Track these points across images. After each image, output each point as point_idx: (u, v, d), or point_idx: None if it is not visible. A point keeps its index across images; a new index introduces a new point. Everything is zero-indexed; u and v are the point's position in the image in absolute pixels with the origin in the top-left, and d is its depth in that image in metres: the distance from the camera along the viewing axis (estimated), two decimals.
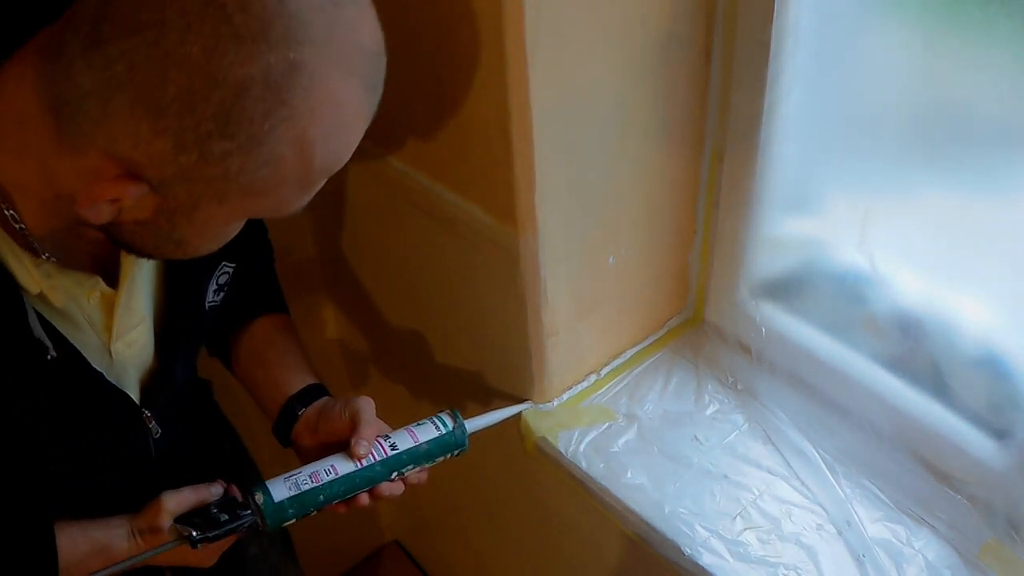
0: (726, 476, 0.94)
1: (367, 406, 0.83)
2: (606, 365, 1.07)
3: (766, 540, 0.87)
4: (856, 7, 0.79)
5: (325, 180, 0.61)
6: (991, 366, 0.83)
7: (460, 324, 1.10)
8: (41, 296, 0.64)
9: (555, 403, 1.03)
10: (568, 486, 0.99)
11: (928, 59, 0.76)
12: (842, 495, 0.90)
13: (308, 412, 0.86)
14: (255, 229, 0.91)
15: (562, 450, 0.98)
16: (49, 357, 0.64)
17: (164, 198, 0.56)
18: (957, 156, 0.78)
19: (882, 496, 0.90)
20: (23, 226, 0.59)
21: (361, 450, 0.79)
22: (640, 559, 0.99)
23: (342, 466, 0.78)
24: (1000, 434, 0.84)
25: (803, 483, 0.92)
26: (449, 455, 0.84)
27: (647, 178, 0.94)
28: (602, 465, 0.96)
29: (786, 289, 1.00)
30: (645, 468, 0.95)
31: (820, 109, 0.88)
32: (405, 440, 0.82)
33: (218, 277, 0.81)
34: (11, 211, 0.58)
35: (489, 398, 1.13)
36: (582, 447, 0.98)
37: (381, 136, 1.03)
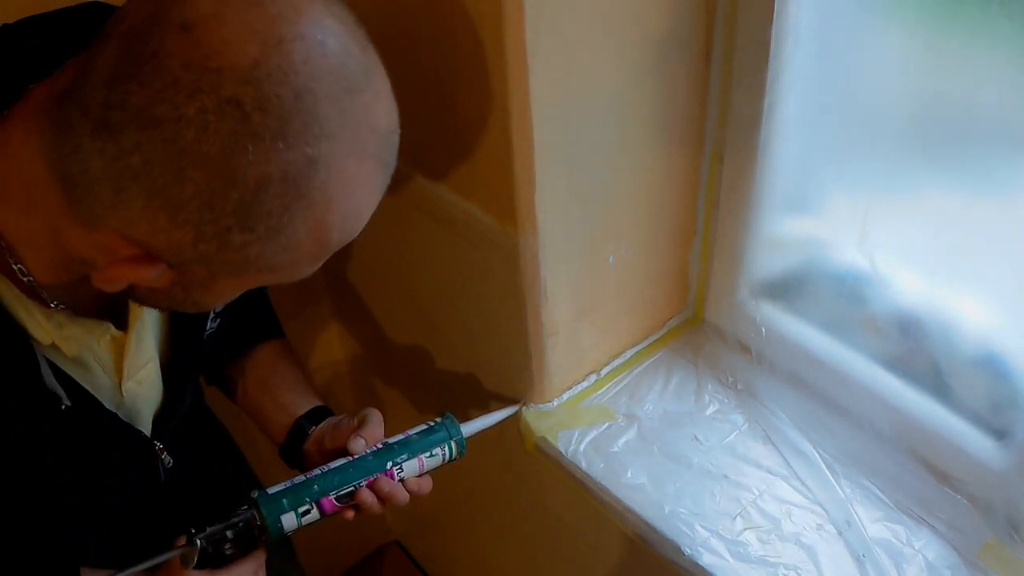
0: (726, 476, 0.94)
1: (374, 414, 0.84)
2: (606, 365, 1.07)
3: (766, 540, 0.87)
4: (856, 7, 0.79)
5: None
6: (991, 366, 0.83)
7: (460, 324, 1.10)
8: (53, 346, 0.64)
9: (555, 403, 1.03)
10: (568, 486, 0.99)
11: (928, 59, 0.76)
12: (842, 495, 0.90)
13: (318, 430, 0.87)
14: None
15: (562, 450, 0.98)
16: (63, 407, 0.64)
17: (181, 274, 0.56)
18: (957, 156, 0.78)
19: (882, 496, 0.90)
20: (32, 278, 0.59)
21: (356, 446, 0.80)
22: (640, 559, 0.99)
23: (335, 463, 0.80)
24: (1000, 434, 0.84)
25: (803, 483, 0.92)
26: (445, 451, 0.84)
27: (647, 178, 0.94)
28: (602, 465, 0.96)
29: (786, 289, 1.00)
30: (645, 468, 0.95)
31: (820, 109, 0.88)
32: (397, 437, 0.84)
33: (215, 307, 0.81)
34: (19, 265, 0.58)
35: (489, 398, 1.13)
36: (582, 447, 0.98)
37: None
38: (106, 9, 0.69)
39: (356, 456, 0.80)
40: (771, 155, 0.90)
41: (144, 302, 0.64)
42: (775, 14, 0.81)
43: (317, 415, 0.88)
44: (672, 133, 0.92)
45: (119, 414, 0.73)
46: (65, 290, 0.61)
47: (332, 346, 1.49)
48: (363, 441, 0.81)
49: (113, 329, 0.69)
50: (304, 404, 0.89)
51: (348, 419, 0.86)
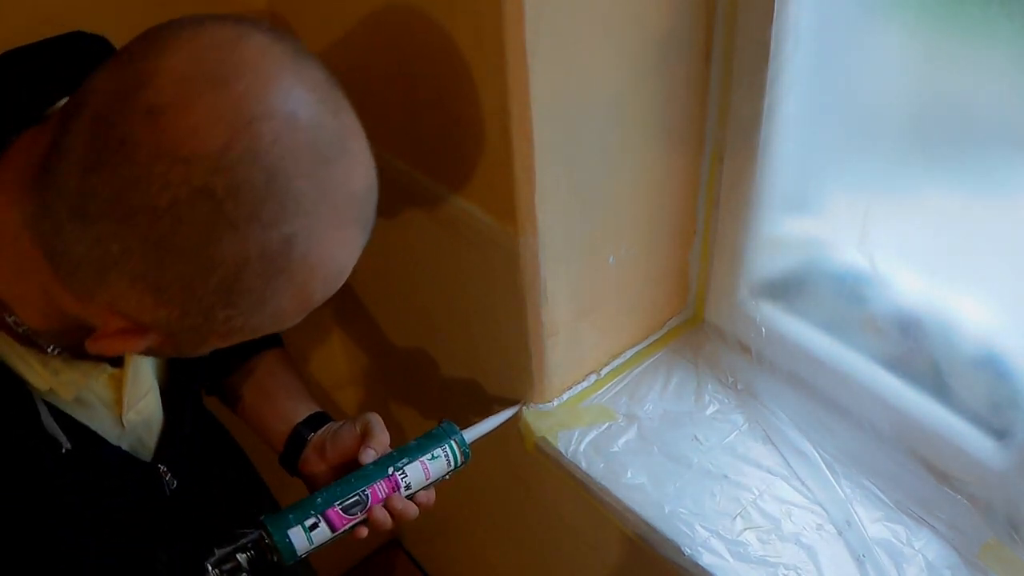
0: (726, 476, 0.94)
1: (376, 419, 0.84)
2: (606, 365, 1.07)
3: (766, 540, 0.87)
4: (856, 7, 0.79)
5: None
6: (991, 366, 0.83)
7: (460, 324, 1.10)
8: (51, 391, 0.64)
9: (555, 403, 1.03)
10: (568, 486, 0.99)
11: (928, 59, 0.76)
12: (842, 495, 0.90)
13: (317, 437, 0.86)
14: None
15: (562, 450, 0.98)
16: (64, 451, 0.64)
17: (172, 338, 0.57)
18: (957, 156, 0.78)
19: (882, 496, 0.90)
20: (26, 327, 0.59)
21: (367, 457, 0.80)
22: (640, 559, 0.99)
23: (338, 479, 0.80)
24: (1000, 434, 0.84)
25: (803, 483, 0.92)
26: (447, 453, 0.84)
27: (647, 178, 0.94)
28: (602, 465, 0.96)
29: (786, 289, 1.00)
30: (645, 468, 0.95)
31: (820, 109, 0.88)
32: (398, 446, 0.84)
33: None
34: (13, 317, 0.58)
35: (489, 398, 1.13)
36: (582, 447, 0.98)
37: (381, 136, 1.03)
38: (91, 40, 0.69)
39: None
40: (771, 155, 0.90)
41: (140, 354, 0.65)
42: (775, 14, 0.81)
43: (315, 421, 0.88)
44: (672, 133, 0.92)
45: (122, 445, 0.73)
46: (61, 335, 0.61)
47: (332, 346, 1.49)
48: (373, 452, 0.81)
49: (110, 368, 0.68)
50: (302, 411, 0.89)
51: (349, 425, 0.85)
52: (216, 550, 0.74)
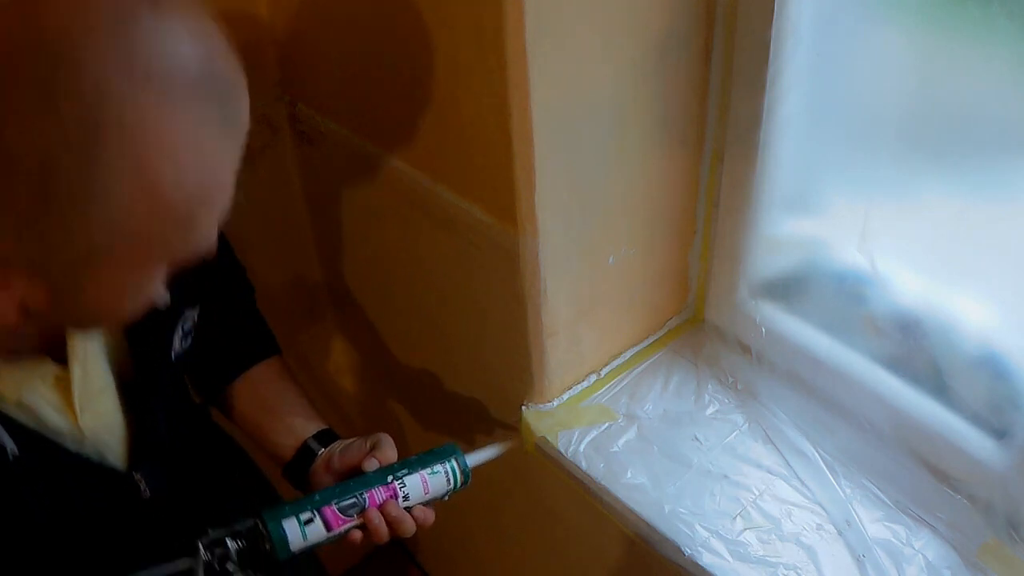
0: (726, 476, 0.94)
1: (387, 438, 0.84)
2: (606, 365, 1.07)
3: (766, 540, 0.87)
4: (856, 7, 0.79)
5: (216, 212, 0.54)
6: (991, 366, 0.83)
7: (460, 324, 1.10)
8: None
9: (555, 403, 1.03)
10: (568, 486, 0.99)
11: (928, 59, 0.76)
12: (842, 495, 0.90)
13: (326, 451, 0.86)
14: (220, 271, 0.88)
15: (562, 450, 0.98)
16: (12, 457, 0.61)
17: (48, 283, 0.52)
18: (957, 157, 0.78)
19: (882, 496, 0.90)
20: None
21: (370, 466, 0.80)
22: (640, 559, 0.99)
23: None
24: (1000, 434, 0.84)
25: (803, 483, 0.92)
26: (447, 469, 0.83)
27: (647, 178, 0.94)
28: (602, 465, 0.96)
29: (786, 289, 1.00)
30: (645, 468, 0.95)
31: (820, 109, 0.88)
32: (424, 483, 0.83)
33: (183, 324, 0.78)
34: None
35: (489, 398, 1.13)
36: (582, 447, 0.98)
37: (381, 136, 1.03)
38: None
39: None
40: (771, 155, 0.90)
41: (63, 326, 0.61)
42: (775, 14, 0.81)
43: (325, 437, 0.88)
44: (672, 133, 0.92)
45: (84, 452, 0.69)
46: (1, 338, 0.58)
47: (332, 345, 1.49)
48: (376, 461, 0.80)
49: (53, 366, 0.65)
50: (311, 427, 0.88)
51: (360, 441, 0.84)
52: (210, 531, 0.73)
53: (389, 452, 0.82)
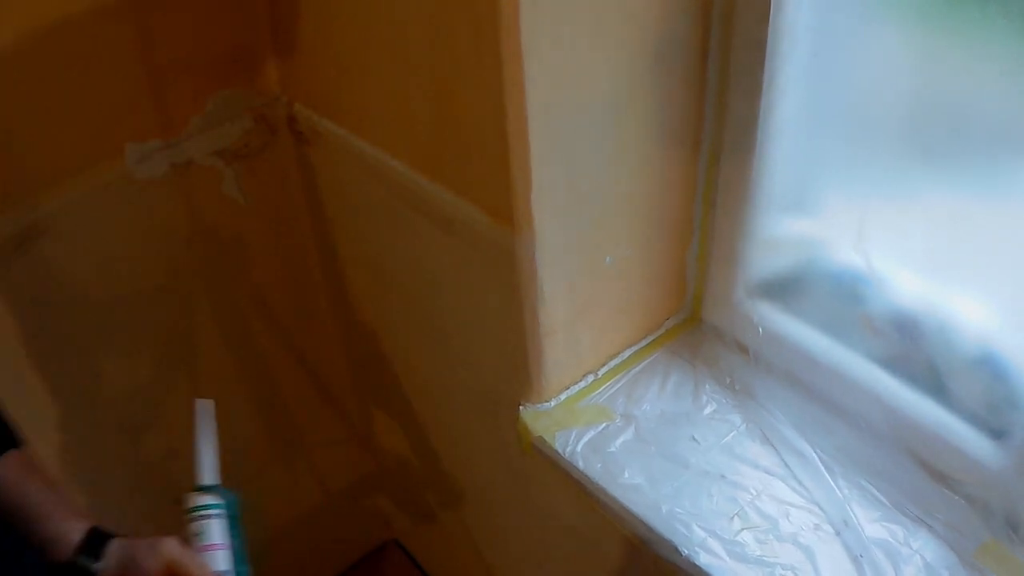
0: (723, 476, 0.94)
1: (176, 548, 0.77)
2: (604, 365, 1.07)
3: (763, 540, 0.87)
4: (853, 8, 0.79)
5: None
6: (988, 366, 0.83)
7: (457, 324, 1.10)
8: None
9: (552, 403, 1.03)
10: (565, 486, 0.99)
11: (926, 59, 0.75)
12: (840, 495, 0.90)
13: (107, 570, 0.77)
14: None
15: (559, 450, 0.98)
16: None
17: None
18: (954, 156, 0.78)
19: (880, 496, 0.90)
20: None
21: None
22: (637, 559, 0.99)
23: None
24: (998, 434, 0.84)
25: (801, 483, 0.92)
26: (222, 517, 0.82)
27: (644, 178, 0.94)
28: (599, 465, 0.96)
29: (783, 289, 1.00)
30: (642, 468, 0.95)
31: (817, 109, 0.88)
32: (217, 558, 0.81)
33: None
34: None
35: (486, 397, 1.13)
36: (579, 447, 0.98)
37: (379, 136, 1.03)
38: None
39: None
40: (768, 155, 0.90)
41: None
42: (772, 15, 0.81)
43: (94, 543, 0.78)
44: (669, 133, 0.92)
45: None
46: None
47: (330, 345, 1.49)
48: None
49: None
50: (74, 532, 0.78)
51: (145, 552, 0.77)
52: None
53: (194, 570, 0.77)
